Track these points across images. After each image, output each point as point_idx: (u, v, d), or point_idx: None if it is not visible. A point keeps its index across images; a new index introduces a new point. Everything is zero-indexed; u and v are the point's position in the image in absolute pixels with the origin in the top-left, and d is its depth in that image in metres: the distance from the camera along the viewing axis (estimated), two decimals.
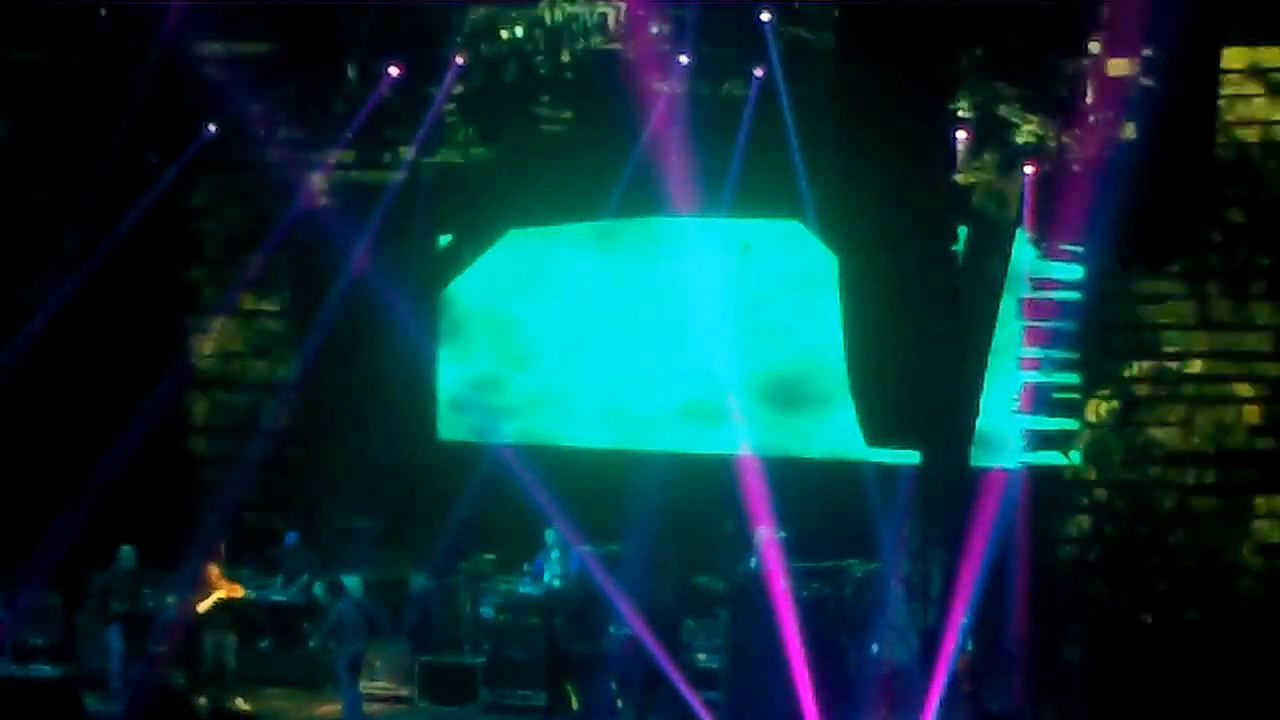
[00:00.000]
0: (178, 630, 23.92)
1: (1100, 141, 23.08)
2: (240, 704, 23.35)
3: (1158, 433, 24.95)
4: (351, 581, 23.39)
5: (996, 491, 22.78)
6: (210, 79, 25.67)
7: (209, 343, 27.54)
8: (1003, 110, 23.67)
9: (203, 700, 23.16)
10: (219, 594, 23.88)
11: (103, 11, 25.67)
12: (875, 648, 22.86)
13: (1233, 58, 23.74)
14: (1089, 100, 23.39)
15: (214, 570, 24.02)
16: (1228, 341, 24.79)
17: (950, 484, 23.39)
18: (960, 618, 21.73)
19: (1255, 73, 24.42)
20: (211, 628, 23.80)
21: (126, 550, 24.28)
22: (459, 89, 25.68)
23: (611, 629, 23.69)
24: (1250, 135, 24.47)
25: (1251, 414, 24.72)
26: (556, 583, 24.73)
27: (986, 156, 24.02)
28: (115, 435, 25.34)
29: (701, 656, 23.72)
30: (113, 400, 26.33)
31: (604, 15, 24.77)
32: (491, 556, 25.71)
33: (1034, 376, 24.84)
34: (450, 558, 25.47)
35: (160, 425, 26.16)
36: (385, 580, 25.11)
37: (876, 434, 21.83)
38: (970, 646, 21.47)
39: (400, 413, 27.01)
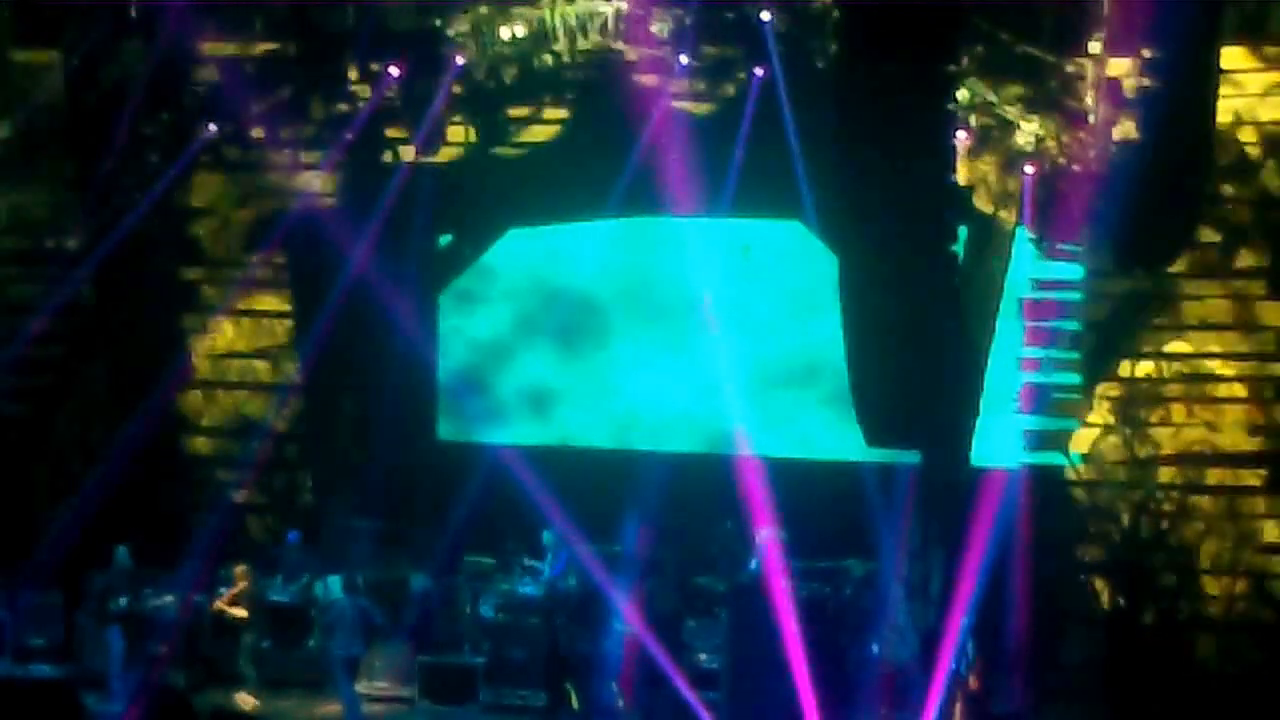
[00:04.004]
0: (178, 630, 24.00)
1: (1100, 141, 23.07)
2: (247, 700, 23.52)
3: (1158, 433, 24.95)
4: (337, 581, 23.56)
5: (996, 491, 22.76)
6: (210, 79, 25.69)
7: (209, 343, 27.53)
8: (1003, 110, 23.66)
9: (250, 696, 23.42)
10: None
11: (102, 12, 25.66)
12: (875, 648, 22.85)
13: (1232, 57, 23.73)
14: (1089, 100, 23.38)
15: (240, 569, 24.11)
16: (1228, 341, 24.79)
17: (950, 484, 23.36)
18: (960, 618, 21.71)
19: (1255, 72, 24.43)
20: (248, 628, 23.97)
21: (122, 550, 24.29)
22: (459, 89, 25.68)
23: (611, 629, 23.67)
24: (1250, 135, 24.48)
25: (1251, 414, 24.71)
26: (557, 583, 24.72)
27: (986, 156, 24.02)
28: (115, 435, 25.33)
29: (702, 656, 23.71)
30: (113, 400, 26.34)
31: (604, 15, 24.76)
32: (491, 561, 25.70)
33: (1034, 376, 24.85)
34: (450, 558, 25.47)
35: (160, 425, 26.16)
36: (385, 580, 25.09)
37: (876, 434, 21.75)
38: (970, 647, 21.44)
39: (400, 413, 27.00)
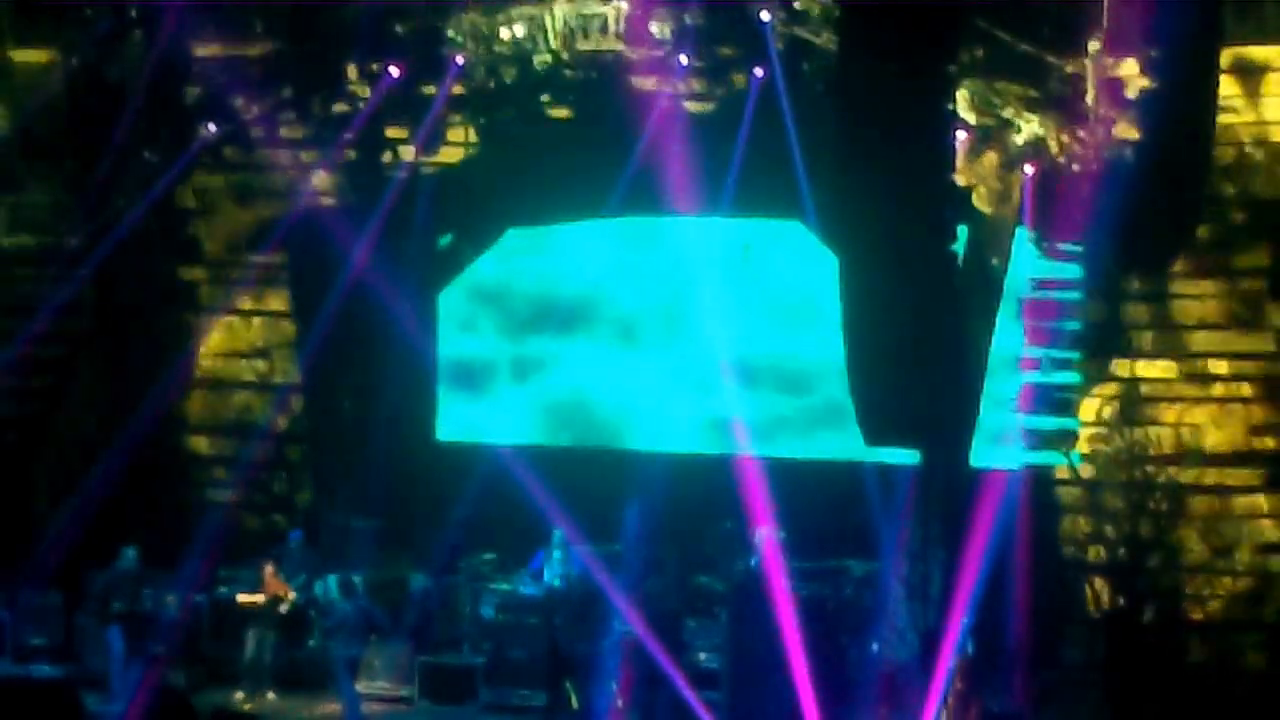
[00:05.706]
0: (178, 630, 24.02)
1: (1100, 141, 23.07)
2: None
3: (1157, 433, 24.94)
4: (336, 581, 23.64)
5: (996, 491, 22.74)
6: (210, 79, 25.69)
7: (209, 343, 27.53)
8: (1003, 110, 23.66)
9: (239, 695, 23.48)
10: (275, 592, 24.04)
11: (103, 12, 25.67)
12: (875, 648, 22.85)
13: (1232, 58, 23.73)
14: (1089, 100, 23.38)
15: (269, 568, 24.14)
16: (1228, 341, 24.79)
17: (950, 484, 23.36)
18: (960, 618, 21.72)
19: (1255, 72, 24.43)
20: (256, 625, 23.97)
21: (129, 551, 24.29)
22: (459, 89, 25.68)
23: (611, 629, 23.68)
24: (1249, 135, 24.48)
25: (1251, 414, 24.72)
26: (557, 583, 24.74)
27: (986, 156, 24.02)
28: (115, 435, 25.34)
29: (702, 656, 23.71)
30: (113, 400, 26.34)
31: (604, 15, 24.77)
32: (492, 556, 25.72)
33: (1034, 376, 24.84)
34: (450, 558, 25.48)
35: (160, 425, 26.17)
36: (385, 580, 25.11)
37: (876, 434, 21.75)
38: (970, 646, 21.44)
39: (400, 413, 27.00)
